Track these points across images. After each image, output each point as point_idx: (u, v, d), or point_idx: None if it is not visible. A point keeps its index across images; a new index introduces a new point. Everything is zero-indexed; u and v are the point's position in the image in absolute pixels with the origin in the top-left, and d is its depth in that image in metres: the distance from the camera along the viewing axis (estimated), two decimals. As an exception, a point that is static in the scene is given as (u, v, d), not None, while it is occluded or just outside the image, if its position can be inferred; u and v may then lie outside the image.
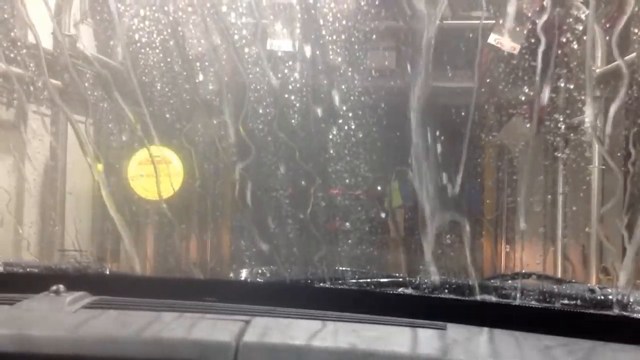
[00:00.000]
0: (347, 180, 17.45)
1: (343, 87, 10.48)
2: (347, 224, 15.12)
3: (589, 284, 2.37)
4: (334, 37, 9.91)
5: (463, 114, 12.77)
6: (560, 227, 9.65)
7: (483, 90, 10.62)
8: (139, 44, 8.64)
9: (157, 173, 8.99)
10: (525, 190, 10.92)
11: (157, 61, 9.45)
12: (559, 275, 9.64)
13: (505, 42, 8.58)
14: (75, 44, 7.06)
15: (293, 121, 12.88)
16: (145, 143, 9.23)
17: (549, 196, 10.35)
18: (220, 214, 11.55)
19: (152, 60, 9.35)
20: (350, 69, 10.48)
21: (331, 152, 15.63)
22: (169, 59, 9.47)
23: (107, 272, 2.53)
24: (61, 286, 1.86)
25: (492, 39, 8.65)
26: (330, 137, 15.32)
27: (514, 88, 9.83)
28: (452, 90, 11.39)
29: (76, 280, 2.04)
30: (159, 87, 9.54)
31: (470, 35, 9.75)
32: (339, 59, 10.26)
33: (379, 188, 18.35)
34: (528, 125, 9.89)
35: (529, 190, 10.84)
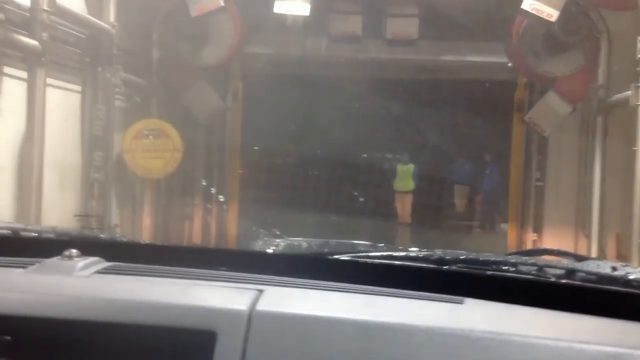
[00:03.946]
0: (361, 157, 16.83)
1: (358, 56, 9.64)
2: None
3: (612, 262, 2.11)
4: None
5: (489, 89, 12.02)
6: (596, 213, 8.85)
7: (513, 64, 9.78)
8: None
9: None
10: (557, 173, 10.22)
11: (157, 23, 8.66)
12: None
13: (541, 7, 7.71)
14: (55, -1, 6.26)
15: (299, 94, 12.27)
16: (141, 115, 8.62)
17: (584, 180, 9.53)
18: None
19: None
20: (366, 38, 9.64)
21: (344, 127, 14.97)
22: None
23: (122, 239, 2.53)
24: (74, 251, 1.79)
25: (527, 4, 7.80)
26: (340, 110, 14.64)
27: (548, 61, 8.96)
28: (479, 65, 10.66)
29: (90, 246, 1.99)
30: (156, 53, 8.73)
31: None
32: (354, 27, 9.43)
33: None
34: (563, 103, 9.03)
35: (560, 174, 10.11)
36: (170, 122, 8.63)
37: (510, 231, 11.51)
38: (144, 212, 8.62)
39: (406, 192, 16.15)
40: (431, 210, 16.53)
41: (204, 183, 9.85)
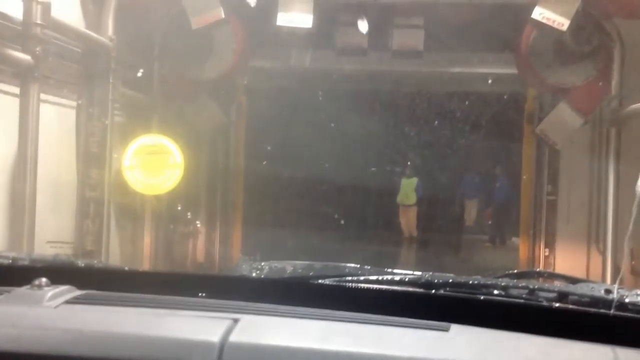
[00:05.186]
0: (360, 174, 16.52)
1: (363, 69, 9.35)
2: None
3: (606, 284, 1.99)
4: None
5: (499, 101, 11.76)
6: (610, 228, 8.52)
7: (523, 75, 9.46)
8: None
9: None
10: (569, 187, 9.90)
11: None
12: (608, 280, 8.56)
13: (552, 16, 7.40)
14: (49, 12, 6.00)
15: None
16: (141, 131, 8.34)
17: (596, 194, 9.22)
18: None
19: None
20: (372, 50, 9.36)
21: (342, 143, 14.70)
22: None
23: (96, 266, 2.41)
24: (44, 279, 1.73)
25: (537, 13, 7.50)
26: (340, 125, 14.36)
27: (558, 72, 8.64)
28: (487, 76, 10.37)
29: (62, 273, 1.92)
30: (157, 67, 8.47)
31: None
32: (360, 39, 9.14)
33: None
34: (575, 115, 8.71)
35: (572, 187, 9.79)
36: (171, 137, 8.35)
37: (521, 246, 11.22)
38: (145, 231, 8.34)
39: (409, 206, 15.88)
40: (439, 224, 16.24)
41: (185, 213, 9.43)
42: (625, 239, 8.62)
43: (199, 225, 9.73)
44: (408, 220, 15.88)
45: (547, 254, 10.42)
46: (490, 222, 16.41)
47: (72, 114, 7.05)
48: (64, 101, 6.92)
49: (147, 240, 8.33)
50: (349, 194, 15.57)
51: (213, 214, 10.30)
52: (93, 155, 7.08)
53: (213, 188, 10.24)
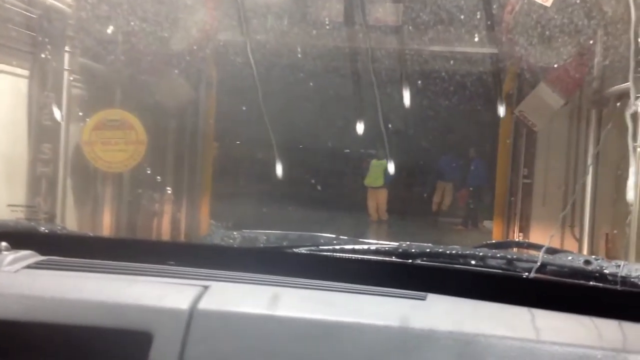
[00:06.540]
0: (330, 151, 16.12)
1: (338, 44, 8.97)
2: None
3: (585, 255, 1.88)
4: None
5: (476, 81, 11.42)
6: (587, 212, 8.30)
7: (503, 53, 9.13)
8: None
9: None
10: (546, 170, 9.65)
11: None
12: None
13: (535, -8, 7.09)
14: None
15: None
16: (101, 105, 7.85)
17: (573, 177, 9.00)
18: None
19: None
20: (347, 25, 8.95)
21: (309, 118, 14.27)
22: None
23: (60, 232, 2.22)
24: (3, 244, 1.65)
25: (520, -12, 7.14)
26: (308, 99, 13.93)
27: (539, 51, 8.32)
28: (465, 55, 10.03)
29: (24, 239, 1.81)
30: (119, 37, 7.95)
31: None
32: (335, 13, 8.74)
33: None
34: (555, 96, 8.42)
35: (549, 170, 9.55)
36: (135, 112, 7.86)
37: (495, 229, 10.99)
38: (105, 209, 7.87)
39: (378, 188, 15.49)
40: (411, 207, 15.97)
41: (158, 179, 9.00)
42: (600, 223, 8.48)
43: (164, 207, 9.28)
44: (377, 203, 15.53)
45: (521, 237, 10.21)
46: (463, 205, 16.18)
47: (25, 83, 6.54)
48: (15, 70, 6.41)
49: (105, 221, 7.87)
50: (319, 174, 15.19)
51: (179, 195, 9.85)
52: (46, 129, 6.60)
53: (180, 166, 9.78)
